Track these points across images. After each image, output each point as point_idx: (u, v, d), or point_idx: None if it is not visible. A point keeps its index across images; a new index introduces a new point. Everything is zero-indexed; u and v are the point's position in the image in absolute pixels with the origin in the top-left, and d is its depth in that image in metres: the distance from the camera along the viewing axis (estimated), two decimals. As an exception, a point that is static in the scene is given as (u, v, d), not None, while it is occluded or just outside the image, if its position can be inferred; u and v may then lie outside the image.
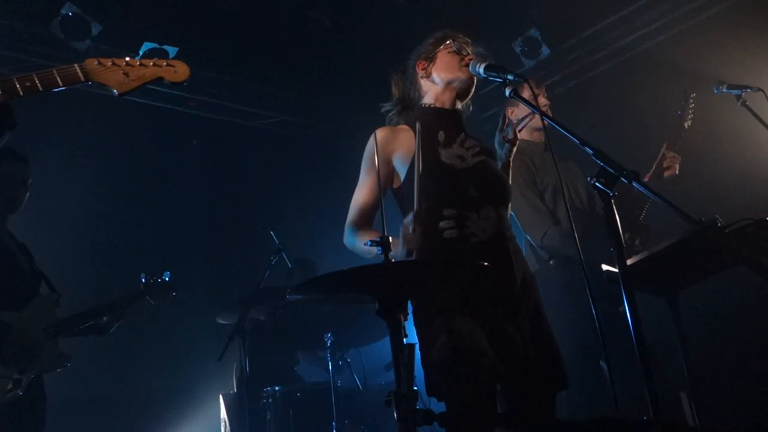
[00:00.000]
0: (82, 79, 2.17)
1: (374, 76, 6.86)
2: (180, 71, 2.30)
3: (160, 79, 2.26)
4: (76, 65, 2.16)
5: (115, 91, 2.20)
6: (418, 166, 2.13)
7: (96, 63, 2.18)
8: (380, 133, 2.52)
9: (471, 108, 2.72)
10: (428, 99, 2.61)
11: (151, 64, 2.26)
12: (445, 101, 2.59)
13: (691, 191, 4.43)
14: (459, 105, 2.62)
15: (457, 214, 2.36)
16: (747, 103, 3.81)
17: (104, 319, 4.09)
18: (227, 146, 7.49)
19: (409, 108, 2.68)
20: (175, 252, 6.87)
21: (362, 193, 2.48)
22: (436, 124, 2.54)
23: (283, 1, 6.10)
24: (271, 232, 5.19)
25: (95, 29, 5.86)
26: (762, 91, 3.81)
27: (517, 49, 6.81)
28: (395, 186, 2.51)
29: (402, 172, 2.48)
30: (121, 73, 2.21)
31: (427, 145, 2.46)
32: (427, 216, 2.35)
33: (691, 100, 4.10)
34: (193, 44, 6.42)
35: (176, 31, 6.26)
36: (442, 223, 2.36)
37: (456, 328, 2.23)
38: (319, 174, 7.82)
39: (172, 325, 6.37)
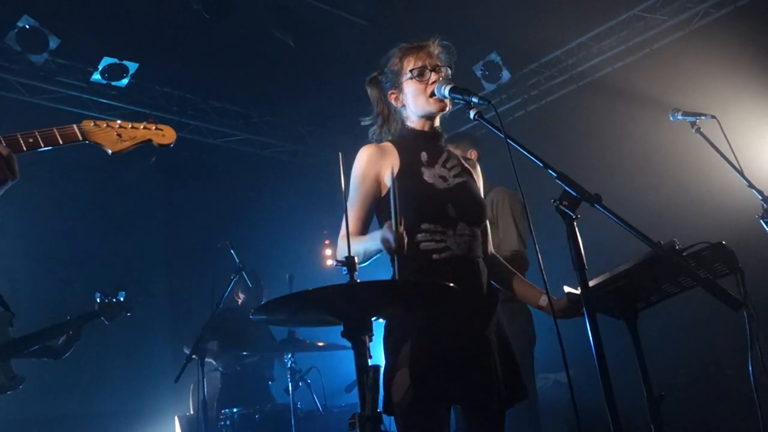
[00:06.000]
0: (80, 138, 2.31)
1: (336, 96, 6.93)
2: (167, 135, 2.46)
3: (149, 140, 2.43)
4: (74, 126, 2.31)
5: (109, 150, 2.36)
6: (395, 187, 2.20)
7: (92, 124, 2.33)
8: (368, 150, 2.58)
9: (448, 114, 2.73)
10: (409, 123, 2.66)
11: (142, 127, 2.43)
12: (425, 126, 2.64)
13: (647, 215, 4.53)
14: (437, 123, 2.65)
15: (434, 229, 2.42)
16: (701, 130, 3.90)
17: (59, 341, 3.99)
18: (187, 163, 7.41)
19: (389, 122, 2.71)
20: (133, 270, 6.75)
21: (352, 209, 2.50)
22: (419, 145, 2.60)
23: (247, 20, 6.09)
24: (232, 251, 5.12)
25: (53, 42, 5.76)
26: (715, 118, 3.90)
27: (478, 73, 6.92)
28: (381, 198, 2.54)
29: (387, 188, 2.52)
30: (114, 134, 2.37)
31: (411, 164, 2.53)
32: (406, 230, 2.38)
33: None
34: (153, 60, 6.36)
35: (137, 46, 6.19)
36: (419, 236, 2.42)
37: (418, 354, 2.27)
38: (281, 192, 7.78)
39: (126, 344, 6.24)
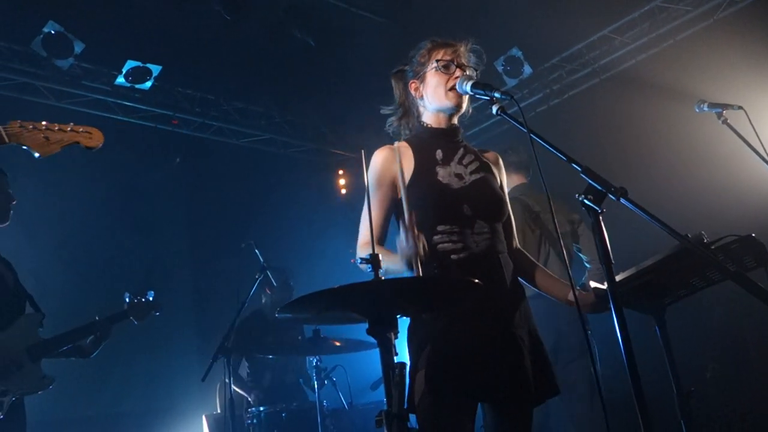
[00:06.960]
0: (6, 141, 2.28)
1: (357, 94, 6.94)
2: (95, 137, 2.50)
3: (77, 143, 2.44)
4: (0, 127, 2.29)
5: (36, 153, 2.33)
6: (403, 188, 2.24)
7: (18, 126, 2.32)
8: (381, 154, 2.54)
9: (470, 111, 2.71)
10: (425, 119, 2.62)
11: (69, 129, 2.43)
12: (441, 122, 2.60)
13: (674, 208, 4.47)
14: (455, 120, 2.62)
15: (450, 230, 2.40)
16: (728, 121, 3.84)
17: (87, 341, 4.03)
18: (211, 164, 7.47)
19: (408, 115, 2.69)
20: (158, 270, 6.81)
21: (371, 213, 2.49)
22: (434, 143, 2.56)
23: (268, 20, 6.12)
24: (256, 250, 5.14)
25: (78, 47, 5.84)
26: (742, 108, 3.84)
27: (500, 68, 6.88)
28: (399, 201, 2.52)
29: (404, 189, 2.50)
30: (41, 136, 2.36)
31: (425, 164, 2.49)
32: (422, 231, 2.35)
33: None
34: (176, 62, 6.42)
35: (159, 49, 6.25)
36: (436, 237, 2.39)
37: (438, 353, 2.26)
38: (305, 191, 7.80)
39: (154, 344, 6.30)
